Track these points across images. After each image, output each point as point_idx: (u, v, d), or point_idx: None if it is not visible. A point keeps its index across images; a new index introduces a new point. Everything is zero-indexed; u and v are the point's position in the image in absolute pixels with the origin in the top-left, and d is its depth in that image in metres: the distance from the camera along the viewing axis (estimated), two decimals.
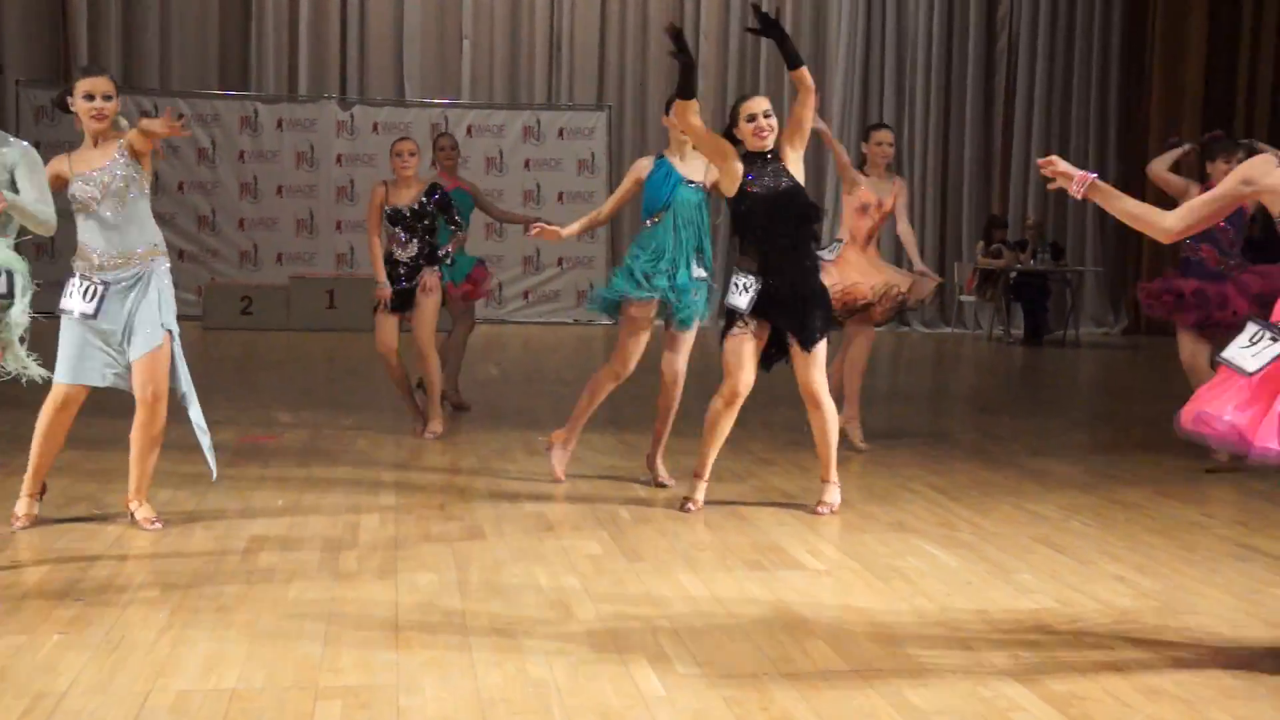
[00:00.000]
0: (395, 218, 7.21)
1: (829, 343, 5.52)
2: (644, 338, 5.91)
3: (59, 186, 4.92)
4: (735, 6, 16.08)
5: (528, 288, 15.68)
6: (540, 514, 5.48)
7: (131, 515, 5.06)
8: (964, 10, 16.43)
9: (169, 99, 15.07)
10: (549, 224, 5.95)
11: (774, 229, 5.35)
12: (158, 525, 5.01)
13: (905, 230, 7.33)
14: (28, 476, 5.03)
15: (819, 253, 5.83)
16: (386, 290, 7.19)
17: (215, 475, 5.17)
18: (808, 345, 5.39)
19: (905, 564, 4.77)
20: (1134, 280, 16.06)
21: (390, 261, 7.24)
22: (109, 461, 6.02)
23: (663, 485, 6.04)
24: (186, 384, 5.02)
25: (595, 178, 15.71)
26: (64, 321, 4.91)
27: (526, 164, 15.70)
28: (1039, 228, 15.00)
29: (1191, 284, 6.77)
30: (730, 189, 5.39)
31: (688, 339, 5.93)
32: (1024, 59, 16.58)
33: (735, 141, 5.41)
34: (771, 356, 5.53)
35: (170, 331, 4.94)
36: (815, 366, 5.42)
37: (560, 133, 15.79)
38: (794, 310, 5.37)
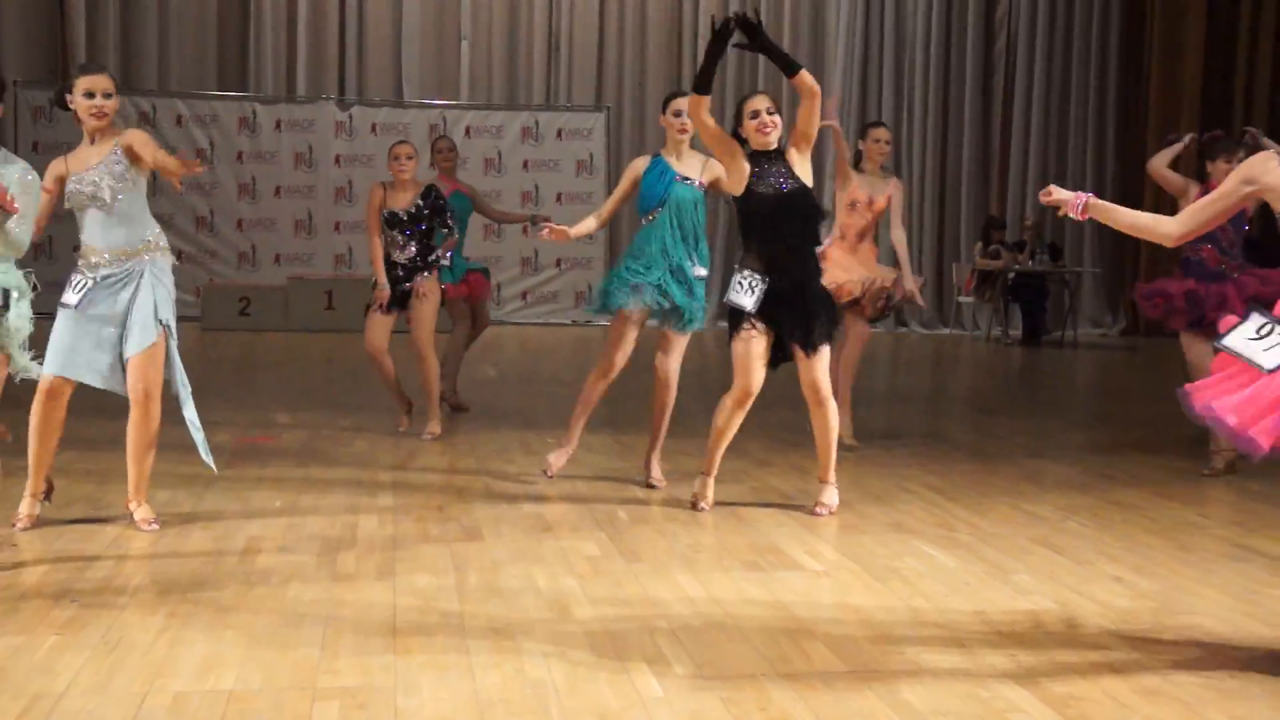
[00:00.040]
0: (392, 221, 7.23)
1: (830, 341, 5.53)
2: (630, 337, 5.93)
3: (59, 188, 4.92)
4: (734, 7, 16.08)
5: (526, 289, 15.69)
6: (538, 515, 5.48)
7: (131, 516, 5.07)
8: (962, 10, 16.45)
9: (167, 99, 15.11)
10: (557, 225, 5.92)
11: (779, 228, 5.35)
12: (154, 526, 5.01)
13: (898, 237, 7.29)
14: (29, 475, 5.03)
15: None
16: (385, 292, 7.21)
17: (215, 469, 5.18)
18: (811, 349, 5.38)
19: (903, 565, 4.77)
20: (1132, 281, 16.07)
21: (388, 263, 7.26)
22: (107, 462, 6.01)
23: (652, 486, 6.04)
24: (182, 381, 5.01)
25: (594, 178, 15.72)
26: (58, 313, 4.93)
27: (525, 165, 15.71)
28: (1037, 228, 15.01)
29: (1181, 286, 6.78)
30: (737, 188, 5.40)
31: (681, 340, 5.94)
32: (1022, 59, 16.60)
33: (741, 140, 5.42)
34: (777, 357, 5.54)
35: (167, 327, 4.93)
36: (819, 365, 5.42)
37: (559, 133, 15.79)
38: (798, 311, 5.36)
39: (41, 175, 4.89)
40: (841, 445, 7.00)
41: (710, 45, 5.29)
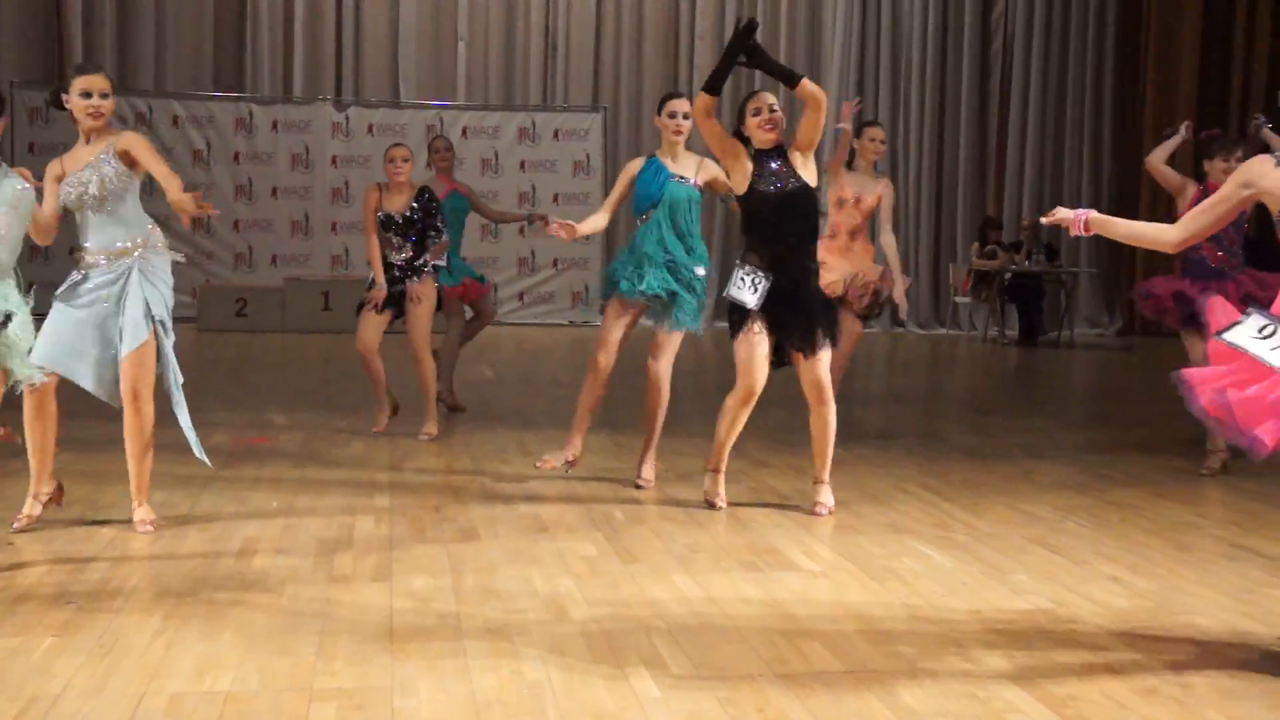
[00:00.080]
0: (387, 223, 7.24)
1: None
2: (619, 329, 5.96)
3: (58, 188, 4.92)
4: (730, 8, 16.09)
5: (523, 289, 15.68)
6: (535, 515, 5.48)
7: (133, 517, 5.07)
8: (959, 11, 16.46)
9: (163, 100, 15.10)
10: (564, 220, 5.89)
11: (780, 227, 5.36)
12: (148, 529, 5.00)
13: (888, 241, 7.29)
14: (32, 476, 5.02)
15: None
16: (382, 292, 7.21)
17: (210, 464, 5.18)
18: (810, 350, 5.39)
19: (900, 565, 4.77)
20: (1128, 281, 16.11)
21: (385, 264, 7.26)
22: (103, 463, 6.01)
23: (639, 486, 6.03)
24: (175, 379, 4.98)
25: (590, 179, 15.71)
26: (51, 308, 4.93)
27: (522, 165, 15.70)
28: (1034, 229, 15.01)
29: (1168, 286, 6.80)
30: (740, 187, 5.42)
31: (672, 342, 5.92)
32: (1019, 60, 16.61)
33: (745, 140, 5.44)
34: (777, 359, 5.54)
35: (161, 324, 4.90)
36: (822, 365, 5.43)
37: (555, 134, 15.79)
38: (797, 310, 5.37)
39: (41, 180, 4.89)
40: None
41: (730, 45, 5.31)
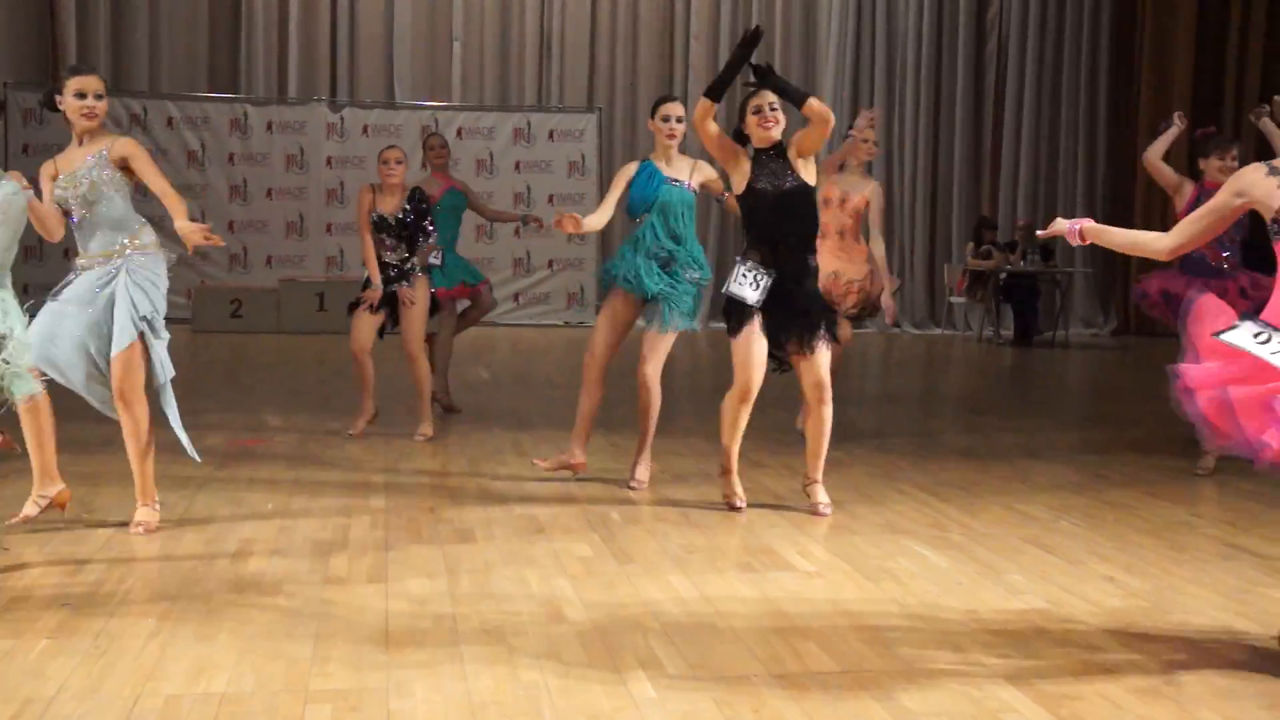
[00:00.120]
0: (380, 225, 7.25)
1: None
2: (611, 322, 5.97)
3: (52, 189, 4.92)
4: (725, 9, 16.11)
5: (518, 290, 15.67)
6: (531, 516, 5.48)
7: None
8: (954, 11, 16.47)
9: (158, 101, 15.08)
10: (570, 213, 5.86)
11: (778, 225, 5.37)
12: (139, 530, 4.99)
13: (876, 246, 7.29)
14: (34, 477, 5.02)
15: None
16: (377, 293, 7.22)
17: (198, 459, 5.18)
18: (808, 348, 5.39)
19: (896, 565, 4.78)
20: (1123, 282, 16.14)
21: (380, 264, 7.26)
22: (98, 465, 6.01)
23: (632, 488, 6.03)
24: (163, 377, 4.95)
25: (586, 180, 15.71)
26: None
27: (517, 166, 15.70)
28: (1029, 229, 15.02)
29: (1159, 285, 6.83)
30: (740, 187, 5.46)
31: (662, 344, 5.91)
32: (1014, 60, 16.63)
33: (744, 139, 5.46)
34: (780, 364, 5.55)
35: (148, 325, 4.87)
36: (823, 365, 5.43)
37: (550, 135, 15.78)
38: (795, 309, 5.37)
39: (35, 183, 4.88)
40: (801, 434, 7.02)
41: (736, 52, 5.36)
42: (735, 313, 5.42)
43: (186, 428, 5.08)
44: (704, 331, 13.54)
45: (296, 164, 15.41)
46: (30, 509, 5.00)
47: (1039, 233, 4.33)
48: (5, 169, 4.84)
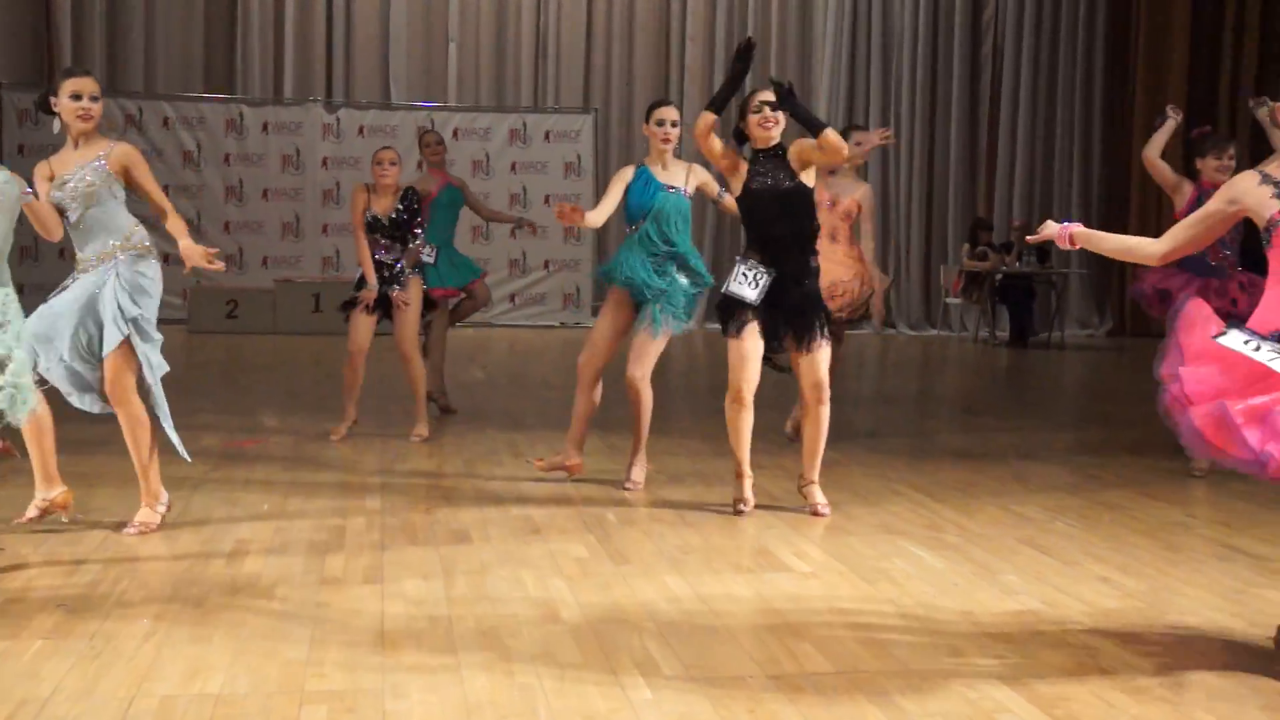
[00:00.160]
0: (374, 225, 7.24)
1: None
2: (608, 324, 5.99)
3: (48, 189, 4.91)
4: (721, 10, 16.12)
5: (514, 291, 15.67)
6: (526, 517, 5.48)
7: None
8: (949, 12, 16.48)
9: (153, 101, 15.07)
10: (574, 205, 5.85)
11: (775, 225, 5.38)
12: (131, 531, 4.98)
13: (866, 250, 7.29)
14: (36, 482, 5.02)
15: None
16: (372, 293, 7.21)
17: (189, 459, 5.18)
18: (805, 347, 5.40)
19: (891, 566, 4.78)
20: (1119, 283, 16.15)
21: (375, 263, 7.26)
22: (92, 465, 6.01)
23: (626, 489, 6.03)
24: (153, 377, 4.94)
25: (581, 180, 15.71)
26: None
27: (513, 167, 15.70)
28: (1024, 230, 15.03)
29: (1153, 282, 6.84)
30: (739, 188, 5.49)
31: (652, 347, 5.89)
32: (1009, 61, 16.64)
33: (743, 138, 5.47)
34: (777, 364, 5.55)
35: (135, 326, 4.85)
36: (822, 365, 5.44)
37: (546, 135, 15.78)
38: (796, 308, 5.38)
39: (29, 180, 4.87)
40: (788, 438, 7.02)
41: (733, 67, 5.43)
42: (731, 313, 5.43)
43: (182, 428, 5.08)
44: (701, 332, 13.57)
45: (292, 165, 15.40)
46: (32, 511, 5.00)
47: (1028, 238, 4.31)
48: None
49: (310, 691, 3.37)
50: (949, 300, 15.66)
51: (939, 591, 4.44)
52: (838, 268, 7.23)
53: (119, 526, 5.04)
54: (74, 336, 4.82)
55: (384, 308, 7.29)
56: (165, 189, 5.32)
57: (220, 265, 4.88)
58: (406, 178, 7.53)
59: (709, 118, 5.39)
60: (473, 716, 3.23)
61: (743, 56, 5.39)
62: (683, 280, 5.91)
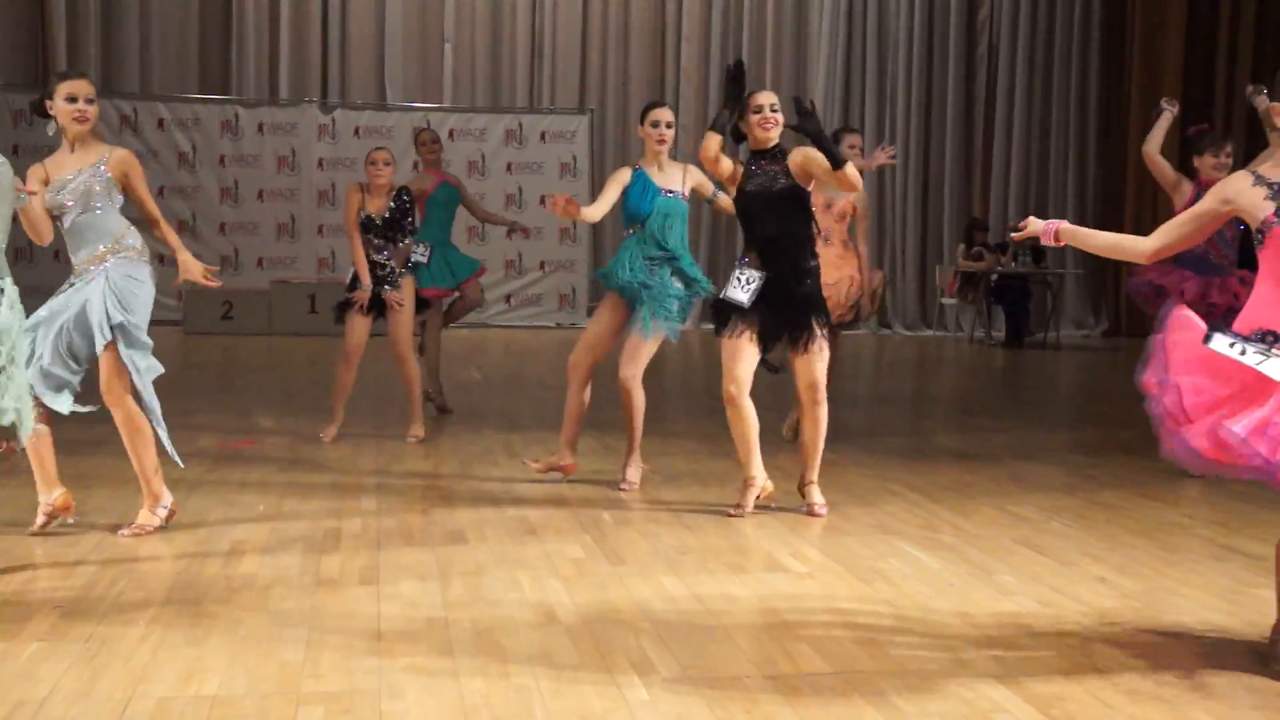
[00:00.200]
0: (368, 225, 7.24)
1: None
2: (600, 326, 6.00)
3: (44, 190, 4.90)
4: (716, 10, 16.11)
5: (510, 291, 15.65)
6: (523, 518, 5.48)
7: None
8: (944, 13, 16.48)
9: (149, 102, 15.04)
10: (569, 197, 5.84)
11: (768, 226, 5.39)
12: (125, 533, 4.97)
13: (860, 252, 7.29)
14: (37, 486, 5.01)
15: None
16: (367, 294, 7.21)
17: (181, 464, 5.17)
18: (801, 346, 5.40)
19: (887, 566, 4.78)
20: (1114, 283, 16.16)
21: (369, 263, 7.25)
22: (89, 466, 6.00)
23: (622, 489, 6.03)
24: (141, 382, 4.91)
25: (577, 181, 15.69)
26: None
27: (508, 168, 15.68)
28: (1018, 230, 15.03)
29: (1147, 279, 6.85)
30: (734, 190, 5.53)
31: (643, 349, 5.89)
32: (1004, 62, 16.64)
33: (741, 137, 5.49)
34: (772, 365, 5.55)
35: (121, 330, 4.82)
36: (819, 366, 5.44)
37: (542, 136, 15.77)
38: (793, 307, 5.38)
39: (23, 179, 4.86)
40: (784, 439, 7.02)
41: (728, 91, 5.40)
42: (723, 314, 5.44)
43: (177, 429, 5.08)
44: (696, 333, 13.56)
45: (288, 165, 15.38)
46: (40, 519, 4.99)
47: (1013, 235, 4.24)
48: None
49: (307, 693, 3.37)
50: (944, 301, 15.67)
51: (935, 592, 4.45)
52: (827, 269, 7.24)
53: (116, 528, 5.04)
54: (55, 341, 4.80)
55: (379, 308, 7.29)
56: (160, 190, 5.33)
57: (217, 283, 4.86)
58: (402, 179, 7.53)
59: (717, 139, 5.38)
60: (469, 717, 3.23)
61: (735, 79, 5.37)
62: (676, 284, 5.91)
